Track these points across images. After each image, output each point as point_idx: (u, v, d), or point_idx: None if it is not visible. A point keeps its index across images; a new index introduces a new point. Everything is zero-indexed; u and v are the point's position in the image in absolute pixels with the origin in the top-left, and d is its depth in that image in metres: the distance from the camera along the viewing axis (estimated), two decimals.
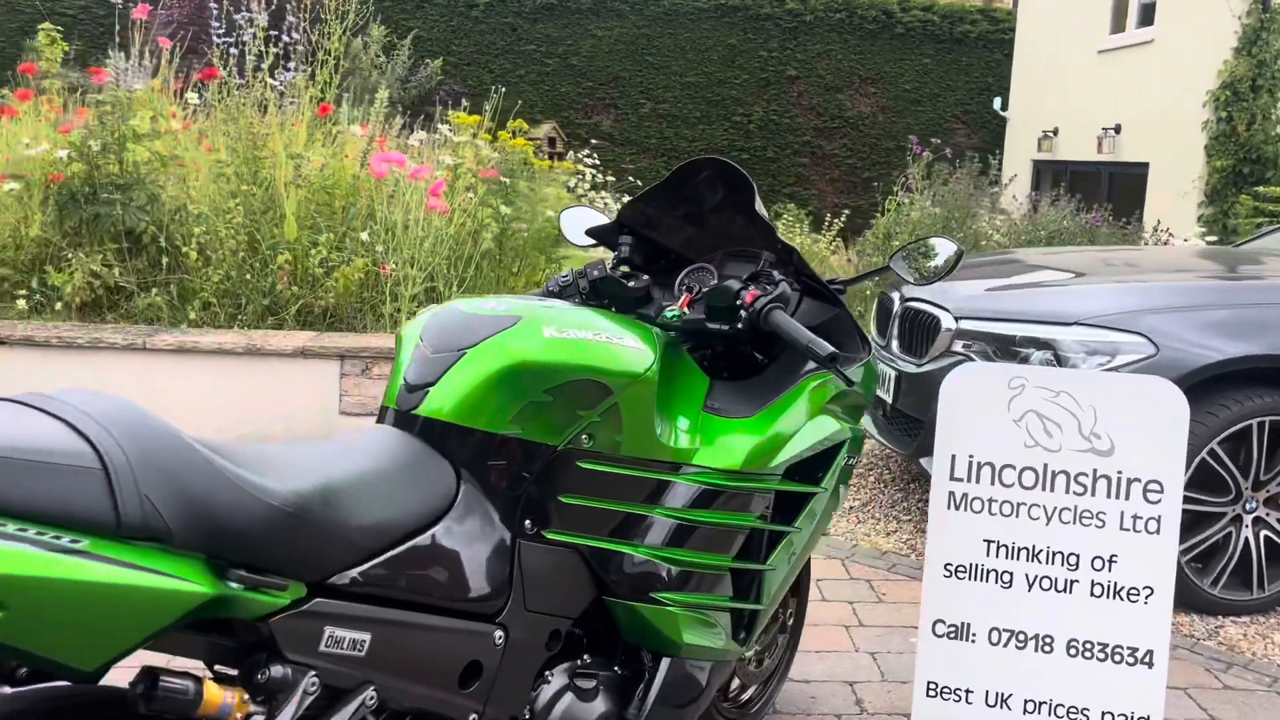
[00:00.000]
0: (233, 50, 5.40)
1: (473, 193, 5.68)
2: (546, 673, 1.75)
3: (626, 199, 2.52)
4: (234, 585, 1.23)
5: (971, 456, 2.44)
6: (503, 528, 1.66)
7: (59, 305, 5.03)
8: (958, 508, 2.44)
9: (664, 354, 1.92)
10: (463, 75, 14.65)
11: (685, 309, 2.14)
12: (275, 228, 5.28)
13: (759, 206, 2.13)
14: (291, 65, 5.72)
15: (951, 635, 2.44)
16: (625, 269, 2.29)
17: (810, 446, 2.08)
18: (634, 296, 2.22)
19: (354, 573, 1.41)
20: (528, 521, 1.69)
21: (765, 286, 2.07)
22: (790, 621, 2.66)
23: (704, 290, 2.13)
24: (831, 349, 1.89)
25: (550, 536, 1.71)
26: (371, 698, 1.42)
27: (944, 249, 2.32)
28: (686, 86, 15.39)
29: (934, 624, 2.45)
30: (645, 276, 2.27)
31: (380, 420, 1.70)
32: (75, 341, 4.73)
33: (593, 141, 13.94)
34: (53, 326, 4.88)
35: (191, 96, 5.55)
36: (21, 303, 5.04)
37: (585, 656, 1.81)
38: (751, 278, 2.17)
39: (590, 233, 2.37)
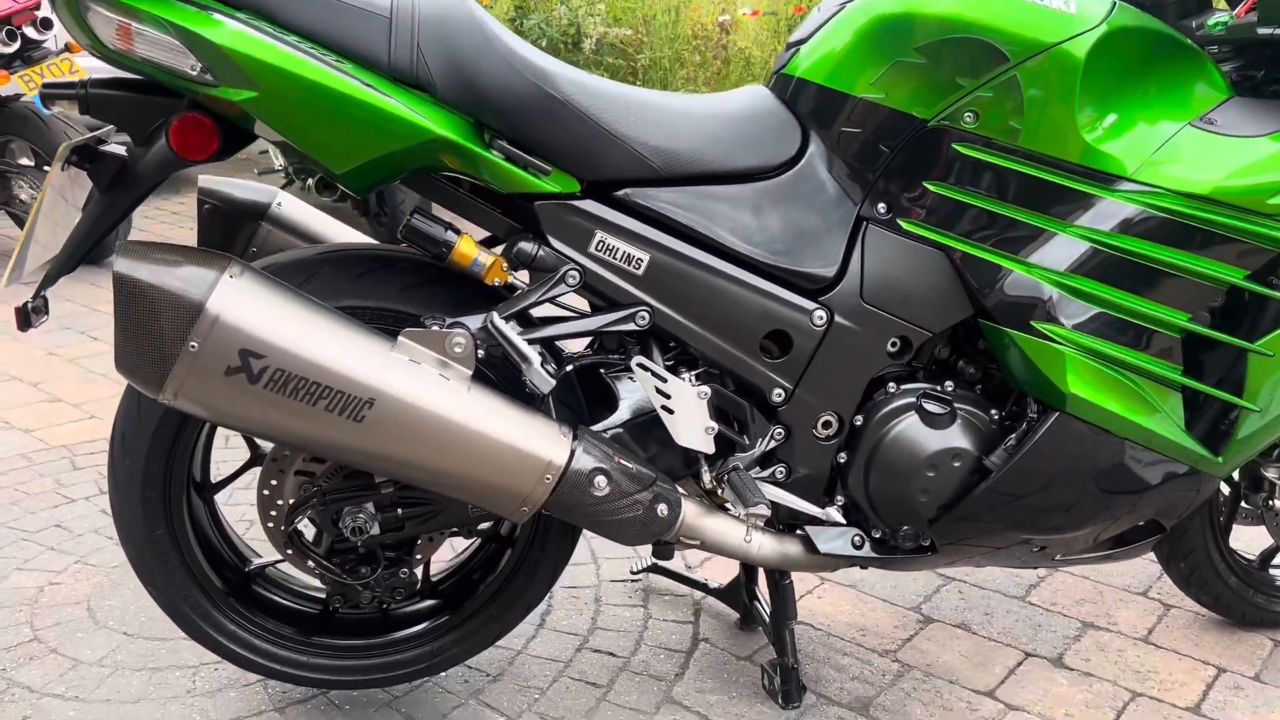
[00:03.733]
0: None
1: None
2: (891, 384, 1.55)
3: None
4: (494, 153, 1.34)
5: None
6: (847, 204, 1.50)
7: None
8: None
9: (1146, 45, 1.50)
10: None
11: (1240, 16, 1.62)
12: None
13: None
14: None
15: None
16: None
17: None
18: (1174, 2, 1.74)
19: (640, 190, 1.42)
20: (881, 205, 1.49)
21: None
22: None
23: None
24: None
25: (906, 227, 1.49)
26: (643, 318, 1.43)
27: None
28: None
29: None
30: None
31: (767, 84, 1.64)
32: None
33: None
34: None
35: None
36: None
37: (950, 384, 1.56)
38: None
39: None
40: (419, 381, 1.29)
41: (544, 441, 1.36)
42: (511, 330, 1.35)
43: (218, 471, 1.64)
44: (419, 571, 1.62)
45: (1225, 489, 1.92)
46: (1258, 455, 1.81)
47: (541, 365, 1.35)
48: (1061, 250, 1.47)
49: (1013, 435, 1.55)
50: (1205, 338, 1.53)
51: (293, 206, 1.71)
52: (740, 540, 1.54)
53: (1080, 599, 2.11)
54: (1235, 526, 1.96)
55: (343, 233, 1.73)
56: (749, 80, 5.99)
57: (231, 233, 1.69)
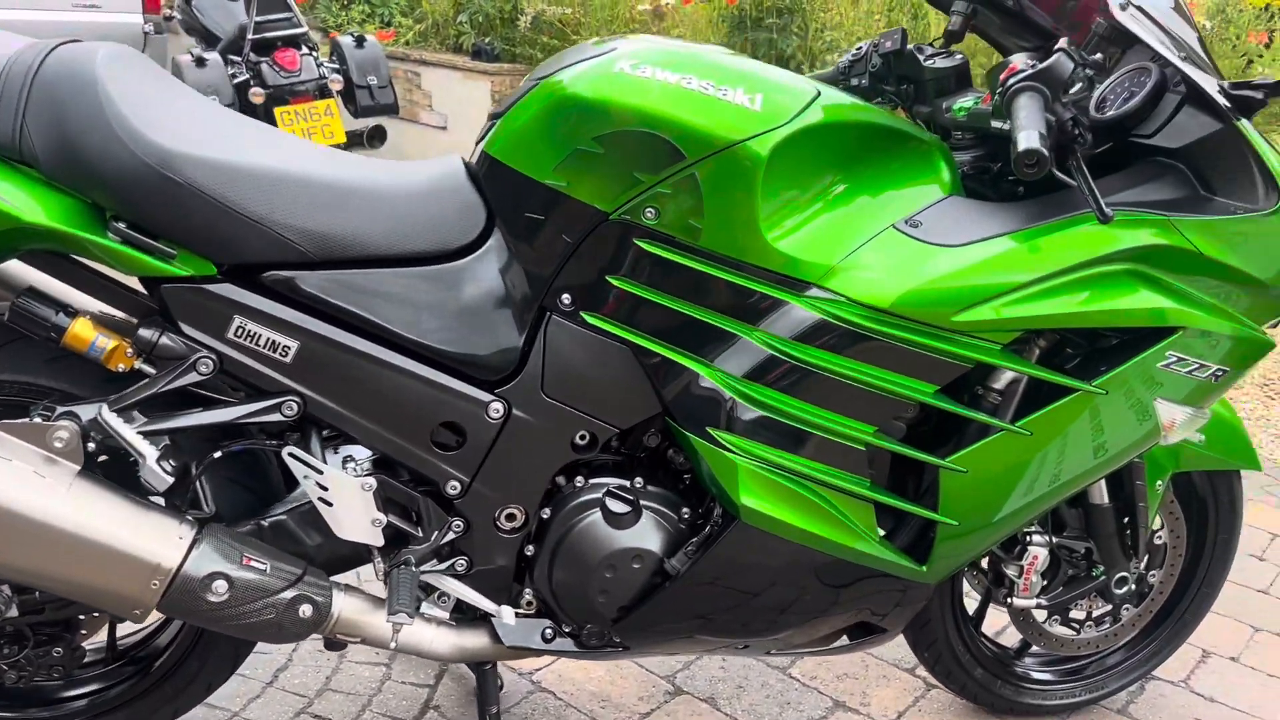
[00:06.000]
0: None
1: None
2: (577, 479, 1.49)
3: None
4: (111, 237, 1.26)
5: None
6: (530, 293, 1.42)
7: None
8: None
9: (855, 139, 1.42)
10: None
11: (985, 104, 1.54)
12: None
13: None
14: None
15: None
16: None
17: (1060, 315, 1.39)
18: (931, 79, 1.67)
19: (289, 274, 1.34)
20: (565, 296, 1.41)
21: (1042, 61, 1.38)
22: (1153, 591, 1.87)
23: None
24: (1034, 146, 1.21)
25: (590, 320, 1.41)
26: (291, 408, 1.36)
27: None
28: None
29: None
30: (959, 55, 1.68)
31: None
32: None
33: None
34: None
35: None
36: None
37: (639, 480, 1.50)
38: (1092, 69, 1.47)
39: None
40: (7, 480, 1.22)
41: (154, 544, 1.29)
42: (122, 424, 1.28)
43: None
44: (89, 645, 1.55)
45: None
46: (1000, 552, 1.76)
47: (158, 461, 1.28)
48: (741, 355, 1.40)
49: (695, 539, 1.49)
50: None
51: None
52: (414, 639, 1.48)
53: (844, 673, 2.06)
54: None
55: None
56: None
57: None
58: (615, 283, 1.40)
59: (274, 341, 1.34)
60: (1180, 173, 1.46)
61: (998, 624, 2.08)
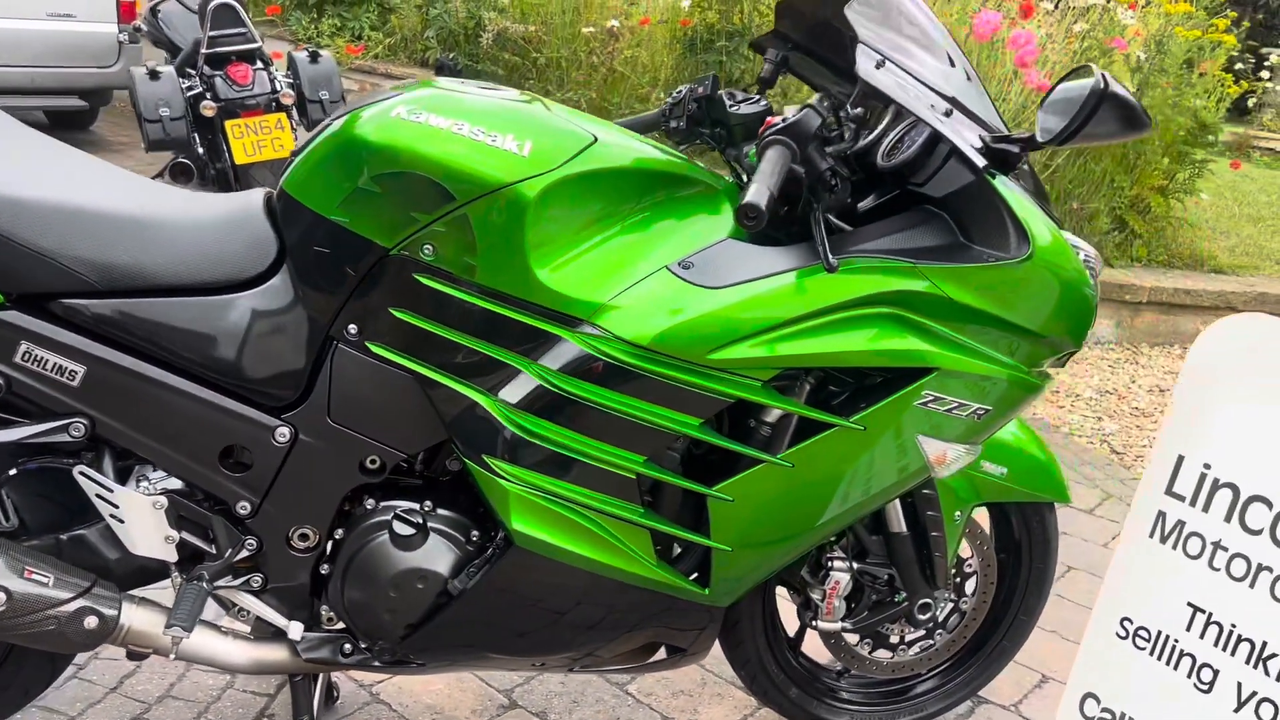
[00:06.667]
0: None
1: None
2: (368, 501, 1.55)
3: None
4: None
5: (1208, 468, 1.45)
6: (317, 323, 1.49)
7: None
8: (1165, 539, 1.49)
9: (635, 183, 1.50)
10: None
11: None
12: None
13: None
14: None
15: None
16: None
17: (814, 355, 1.45)
18: (736, 124, 1.74)
19: (75, 303, 1.41)
20: (351, 326, 1.48)
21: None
22: (965, 618, 1.93)
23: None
24: (752, 201, 1.28)
25: (375, 350, 1.48)
26: (79, 429, 1.43)
27: (1078, 86, 1.37)
28: None
29: (1083, 699, 1.57)
30: (763, 102, 1.75)
31: None
32: None
33: None
34: None
35: None
36: None
37: (428, 504, 1.56)
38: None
39: (754, 44, 1.88)
40: None
41: None
42: None
43: None
44: None
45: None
46: (806, 576, 1.82)
47: None
48: (516, 387, 1.47)
49: (477, 561, 1.56)
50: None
51: None
52: (207, 651, 1.55)
53: (680, 690, 2.12)
54: None
55: None
56: (636, 89, 5.93)
57: None
58: (398, 315, 1.47)
59: (60, 366, 1.42)
60: (944, 221, 1.53)
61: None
